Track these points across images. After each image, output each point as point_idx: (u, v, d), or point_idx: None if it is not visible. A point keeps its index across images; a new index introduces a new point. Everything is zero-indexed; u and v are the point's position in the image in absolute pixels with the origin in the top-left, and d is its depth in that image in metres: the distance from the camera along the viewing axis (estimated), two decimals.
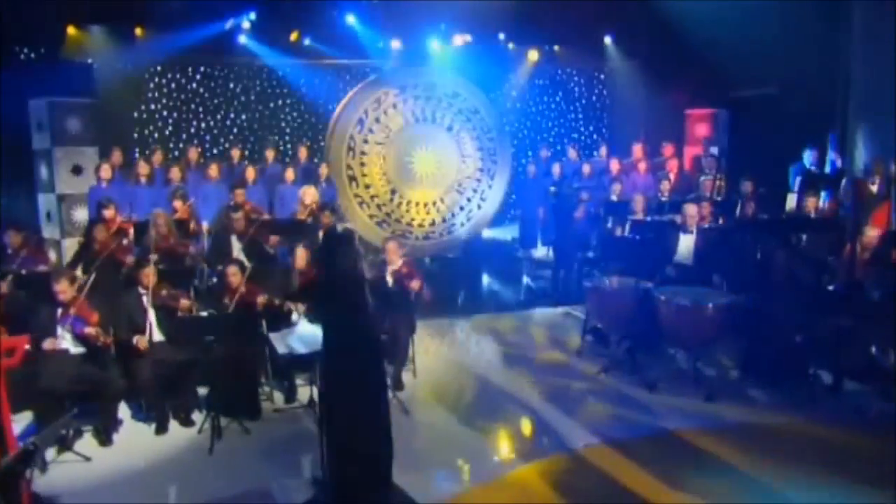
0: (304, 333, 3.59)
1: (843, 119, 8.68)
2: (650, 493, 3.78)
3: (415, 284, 5.04)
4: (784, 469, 4.00)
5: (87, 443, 4.41)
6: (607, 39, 10.42)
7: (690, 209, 6.02)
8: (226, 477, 4.01)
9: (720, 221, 6.92)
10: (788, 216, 7.04)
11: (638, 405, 5.00)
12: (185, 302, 4.58)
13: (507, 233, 10.19)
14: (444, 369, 5.74)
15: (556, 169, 8.74)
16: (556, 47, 10.62)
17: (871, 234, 5.95)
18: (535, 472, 4.07)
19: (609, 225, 7.41)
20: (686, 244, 5.97)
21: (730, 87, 9.41)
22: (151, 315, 4.69)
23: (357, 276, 3.23)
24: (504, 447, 4.42)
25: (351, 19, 9.14)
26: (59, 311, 4.47)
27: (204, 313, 4.54)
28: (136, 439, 4.51)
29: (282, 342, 3.92)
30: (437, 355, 6.05)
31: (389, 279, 5.13)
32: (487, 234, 10.11)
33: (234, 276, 4.88)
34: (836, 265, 5.91)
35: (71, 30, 8.06)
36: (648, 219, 6.62)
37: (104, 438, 4.44)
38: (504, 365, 5.85)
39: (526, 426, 4.71)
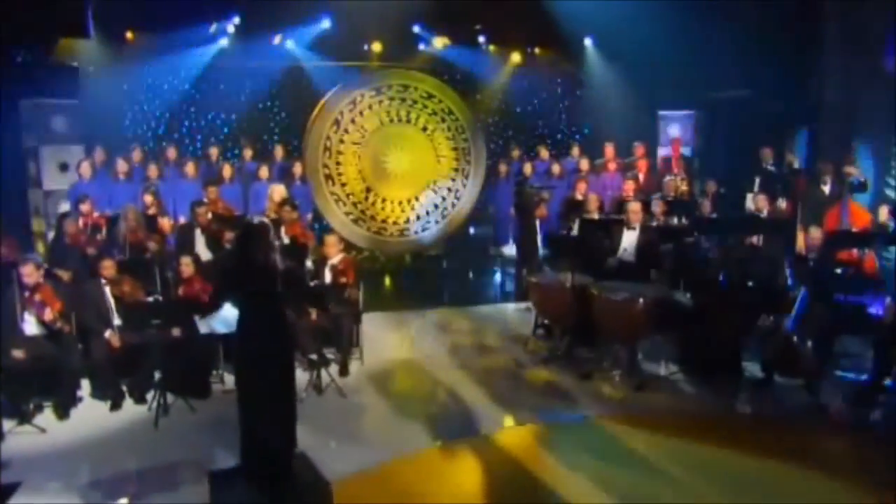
0: (227, 316, 3.90)
1: (814, 121, 8.76)
2: (549, 476, 3.99)
3: (343, 280, 5.32)
4: (694, 460, 4.13)
5: (45, 417, 4.82)
6: (587, 41, 10.59)
7: (634, 206, 6.21)
8: (166, 447, 4.39)
9: (683, 220, 7.10)
10: (733, 216, 7.19)
11: (565, 394, 5.24)
12: (127, 288, 4.94)
13: (487, 231, 10.45)
14: (392, 358, 6.03)
15: (526, 168, 8.98)
16: (536, 49, 10.84)
17: (815, 234, 6.10)
18: (446, 451, 4.35)
19: (574, 223, 7.62)
20: (629, 240, 6.17)
21: (705, 89, 9.54)
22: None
23: (268, 267, 3.51)
24: (421, 428, 4.65)
25: (332, 22, 9.50)
26: (26, 294, 4.90)
27: (150, 299, 4.91)
28: (90, 414, 4.91)
29: (204, 323, 4.26)
30: (390, 346, 6.34)
31: (328, 273, 5.42)
32: (470, 232, 10.40)
33: (186, 266, 5.26)
34: (777, 264, 6.06)
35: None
36: (596, 216, 6.82)
37: (62, 413, 4.85)
38: (451, 356, 6.10)
39: (448, 410, 4.98)
